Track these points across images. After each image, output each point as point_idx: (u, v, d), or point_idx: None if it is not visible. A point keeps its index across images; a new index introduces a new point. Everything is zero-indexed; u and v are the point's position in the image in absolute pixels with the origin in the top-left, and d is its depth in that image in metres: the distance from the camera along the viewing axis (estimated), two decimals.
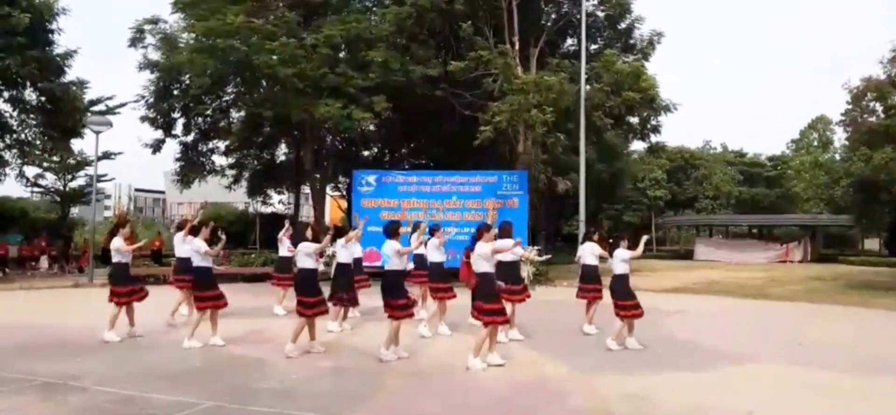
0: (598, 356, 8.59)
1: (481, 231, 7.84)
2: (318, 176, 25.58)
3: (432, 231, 10.39)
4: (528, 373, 7.82)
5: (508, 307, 9.02)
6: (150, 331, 9.76)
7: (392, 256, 8.02)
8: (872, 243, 46.11)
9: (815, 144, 54.54)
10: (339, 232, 10.34)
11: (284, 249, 12.02)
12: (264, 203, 31.07)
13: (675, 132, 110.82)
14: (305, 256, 8.40)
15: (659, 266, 28.96)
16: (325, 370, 7.44)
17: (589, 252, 10.25)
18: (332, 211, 33.68)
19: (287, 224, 12.93)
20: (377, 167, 24.92)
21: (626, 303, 9.03)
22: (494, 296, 7.71)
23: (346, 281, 10.27)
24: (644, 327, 11.58)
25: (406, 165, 28.54)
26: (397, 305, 7.92)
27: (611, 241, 9.69)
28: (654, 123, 25.69)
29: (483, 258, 7.69)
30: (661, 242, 49.03)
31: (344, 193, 29.02)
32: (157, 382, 6.93)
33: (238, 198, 29.98)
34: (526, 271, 19.46)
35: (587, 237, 10.34)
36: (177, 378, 7.13)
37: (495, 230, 8.07)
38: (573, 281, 20.73)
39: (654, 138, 27.40)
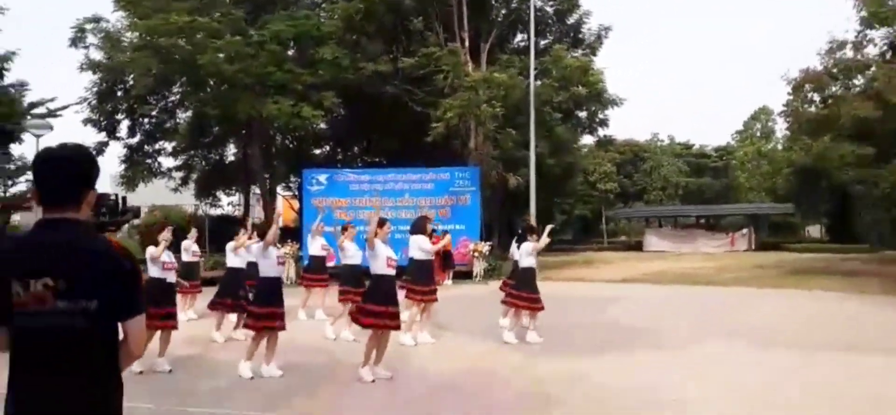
0: (547, 345, 8.75)
1: (378, 226, 6.98)
2: (267, 176, 25.26)
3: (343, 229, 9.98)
4: (478, 361, 7.97)
5: (415, 308, 8.83)
6: None
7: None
8: (814, 231, 47.95)
9: (758, 134, 56.28)
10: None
11: (318, 247, 11.33)
12: (213, 205, 30.45)
13: (624, 126, 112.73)
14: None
15: (610, 257, 29.48)
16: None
17: (527, 253, 8.97)
18: (286, 211, 33.26)
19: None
20: (330, 165, 24.72)
21: (532, 296, 8.78)
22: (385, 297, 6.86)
23: (239, 284, 9.52)
24: (592, 314, 11.92)
25: (359, 163, 28.41)
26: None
27: (519, 233, 9.56)
28: (602, 116, 26.22)
29: (374, 257, 6.88)
30: (613, 235, 49.88)
31: (295, 192, 28.72)
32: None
33: (186, 200, 29.32)
34: (478, 267, 19.78)
35: (524, 236, 9.17)
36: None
37: (389, 225, 7.37)
38: None
39: (602, 132, 28.01)
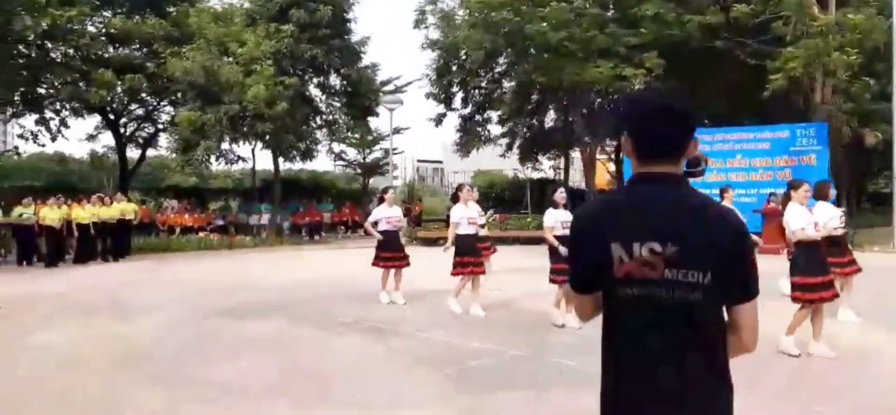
0: None
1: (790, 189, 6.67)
2: (587, 140, 25.56)
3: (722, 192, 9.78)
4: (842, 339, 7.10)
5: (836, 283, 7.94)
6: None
7: None
8: None
9: None
10: None
11: None
12: (534, 169, 31.88)
13: None
14: None
15: None
16: None
17: None
18: (599, 175, 33.45)
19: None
20: None
21: None
22: (820, 267, 6.32)
23: None
24: None
25: None
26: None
27: None
28: None
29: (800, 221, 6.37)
30: None
31: (611, 155, 28.61)
32: (468, 330, 7.62)
33: (510, 165, 31.23)
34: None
35: None
36: (487, 328, 7.68)
37: (807, 185, 6.68)
38: (885, 246, 18.11)
39: None
